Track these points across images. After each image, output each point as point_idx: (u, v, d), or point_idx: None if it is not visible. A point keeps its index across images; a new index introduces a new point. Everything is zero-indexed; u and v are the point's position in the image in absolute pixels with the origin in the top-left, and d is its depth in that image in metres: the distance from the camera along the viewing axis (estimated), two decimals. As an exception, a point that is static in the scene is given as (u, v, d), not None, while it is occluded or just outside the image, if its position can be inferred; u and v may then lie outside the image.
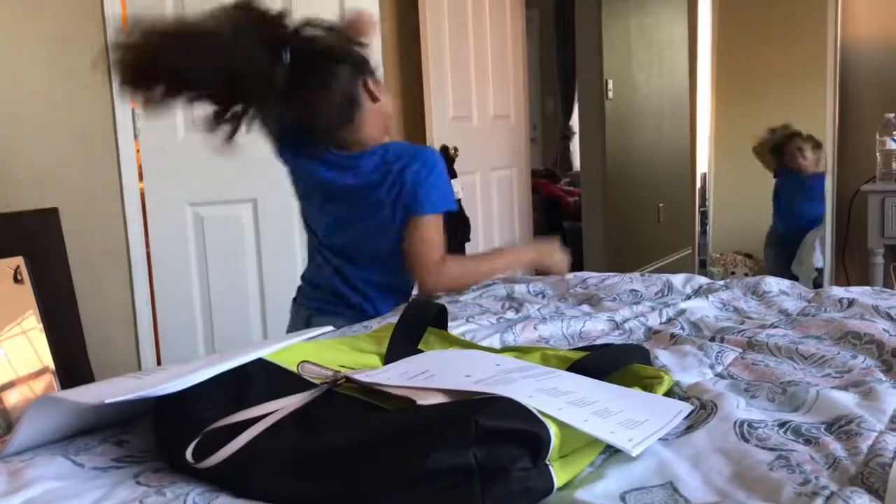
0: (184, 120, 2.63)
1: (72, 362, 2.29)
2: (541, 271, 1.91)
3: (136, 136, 2.57)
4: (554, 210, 6.32)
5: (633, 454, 0.79)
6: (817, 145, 3.46)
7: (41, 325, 2.23)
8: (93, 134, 2.47)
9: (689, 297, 1.60)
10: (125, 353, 2.60)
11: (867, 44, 3.40)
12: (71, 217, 2.37)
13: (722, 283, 1.70)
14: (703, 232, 3.96)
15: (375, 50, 2.81)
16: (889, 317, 1.34)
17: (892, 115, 3.12)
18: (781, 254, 3.68)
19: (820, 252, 3.51)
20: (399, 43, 3.17)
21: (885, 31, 3.38)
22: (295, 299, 1.91)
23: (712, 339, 1.28)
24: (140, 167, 2.61)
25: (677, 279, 1.72)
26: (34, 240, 2.27)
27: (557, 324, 1.40)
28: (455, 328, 1.39)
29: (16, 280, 2.22)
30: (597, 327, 1.41)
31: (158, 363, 2.68)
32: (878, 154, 3.15)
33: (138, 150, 2.60)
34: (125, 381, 0.90)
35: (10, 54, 2.25)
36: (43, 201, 2.33)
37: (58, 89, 2.37)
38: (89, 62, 2.44)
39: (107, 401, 0.81)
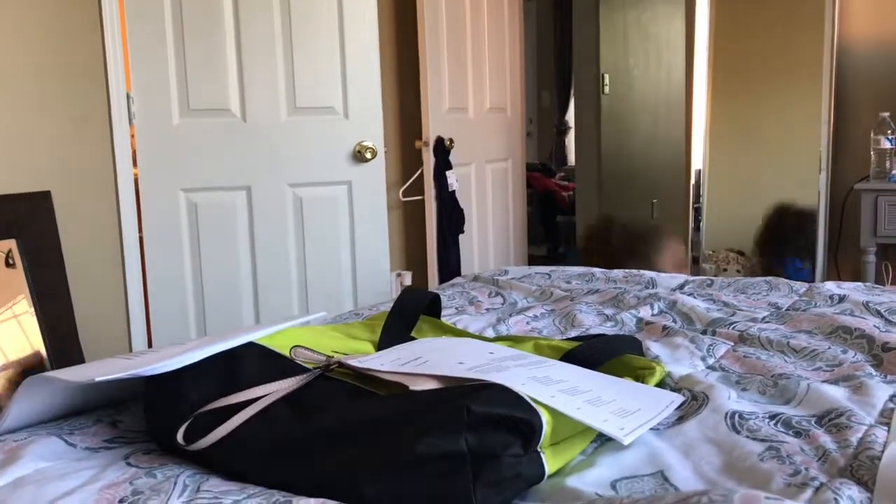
0: (178, 106, 2.61)
1: (63, 347, 2.28)
2: None
3: (130, 121, 2.56)
4: (548, 204, 6.32)
5: (625, 443, 0.79)
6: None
7: (33, 310, 2.22)
8: (87, 118, 2.45)
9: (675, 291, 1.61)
10: (116, 339, 2.59)
11: (863, 42, 3.41)
12: (64, 201, 2.36)
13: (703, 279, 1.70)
14: (697, 228, 3.96)
15: (373, 40, 2.81)
16: (879, 313, 1.35)
17: (886, 113, 3.13)
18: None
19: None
20: (396, 34, 3.16)
21: (881, 31, 3.39)
22: None
23: (704, 332, 1.29)
24: (134, 152, 2.60)
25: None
26: (26, 223, 2.25)
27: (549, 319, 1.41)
28: (447, 318, 1.40)
29: (7, 264, 2.20)
30: (588, 318, 1.41)
31: (149, 348, 2.67)
32: (872, 152, 3.16)
33: (132, 136, 2.58)
34: (116, 361, 0.90)
35: (4, 38, 2.23)
36: (35, 185, 2.31)
37: (52, 73, 2.35)
38: (84, 46, 2.43)
39: (96, 379, 0.81)
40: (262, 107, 2.69)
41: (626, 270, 1.82)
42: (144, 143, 2.60)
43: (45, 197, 2.30)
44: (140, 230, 2.63)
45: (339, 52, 2.76)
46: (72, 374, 0.87)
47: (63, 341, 2.28)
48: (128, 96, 2.54)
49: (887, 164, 3.12)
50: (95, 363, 0.94)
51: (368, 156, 2.81)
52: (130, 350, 2.61)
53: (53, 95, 2.35)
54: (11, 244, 2.21)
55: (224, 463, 0.81)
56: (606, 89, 5.12)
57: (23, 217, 2.24)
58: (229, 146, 2.69)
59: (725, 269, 3.87)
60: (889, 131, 3.11)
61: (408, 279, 3.21)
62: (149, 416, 0.89)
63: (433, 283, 2.98)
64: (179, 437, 0.82)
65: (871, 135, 3.15)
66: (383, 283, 2.95)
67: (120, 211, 2.54)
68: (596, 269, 1.84)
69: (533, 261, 3.96)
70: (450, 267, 3.01)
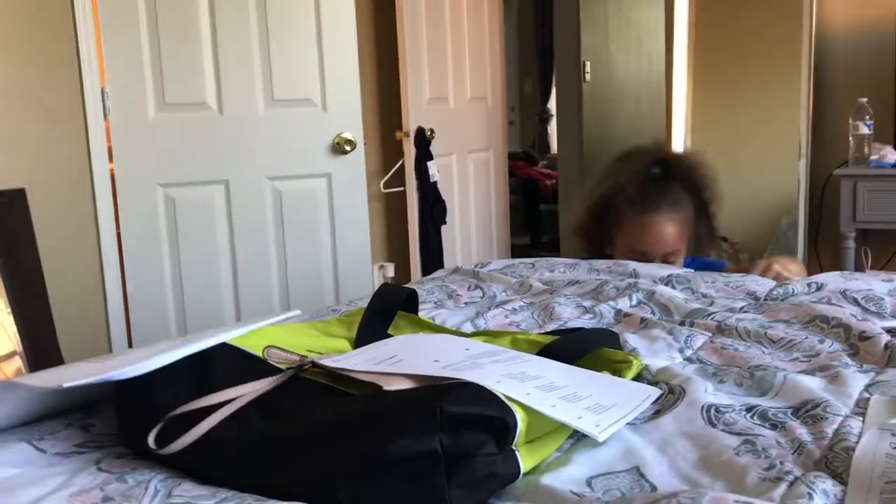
0: (154, 100, 2.59)
1: (41, 345, 2.26)
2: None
3: (105, 117, 2.53)
4: (531, 193, 6.32)
5: (600, 440, 0.79)
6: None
7: (9, 308, 2.19)
8: (61, 114, 2.42)
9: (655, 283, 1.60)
10: (95, 336, 2.57)
11: (842, 28, 3.42)
12: (39, 198, 2.33)
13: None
14: (679, 215, 3.96)
15: (351, 31, 2.79)
16: (856, 302, 1.35)
17: (865, 99, 3.14)
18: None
19: (792, 237, 3.53)
20: (375, 24, 3.14)
21: (860, 16, 3.40)
22: None
23: (682, 324, 1.29)
24: (110, 148, 2.57)
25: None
26: (1, 221, 2.22)
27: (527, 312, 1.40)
28: (425, 312, 1.39)
29: (-17, 262, 2.18)
30: (566, 311, 1.40)
31: (129, 345, 2.65)
32: (850, 138, 3.17)
33: (108, 131, 2.56)
34: (87, 365, 0.89)
35: (-26, 31, 2.20)
36: (10, 181, 2.28)
37: (25, 68, 2.32)
38: (58, 40, 2.39)
39: (64, 385, 0.80)
40: (239, 100, 2.67)
41: (611, 261, 1.81)
42: (120, 139, 2.58)
43: (19, 194, 2.27)
44: (117, 226, 2.60)
45: (317, 43, 2.74)
46: (41, 379, 0.85)
47: (41, 340, 2.26)
48: (102, 91, 2.51)
49: (865, 150, 3.14)
50: (67, 367, 0.92)
51: (348, 148, 2.79)
52: (110, 345, 2.59)
53: (27, 91, 2.32)
54: (-14, 242, 2.18)
55: (197, 467, 0.80)
56: (588, 77, 5.12)
57: (-3, 214, 2.21)
58: (206, 140, 2.66)
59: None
60: (867, 117, 3.13)
61: (390, 271, 3.20)
62: (120, 421, 0.88)
63: (416, 275, 2.97)
64: (151, 441, 0.81)
65: (850, 120, 3.17)
66: (365, 275, 2.94)
67: (96, 207, 2.52)
68: (581, 261, 1.83)
69: (516, 250, 3.96)
70: (432, 258, 3.00)
